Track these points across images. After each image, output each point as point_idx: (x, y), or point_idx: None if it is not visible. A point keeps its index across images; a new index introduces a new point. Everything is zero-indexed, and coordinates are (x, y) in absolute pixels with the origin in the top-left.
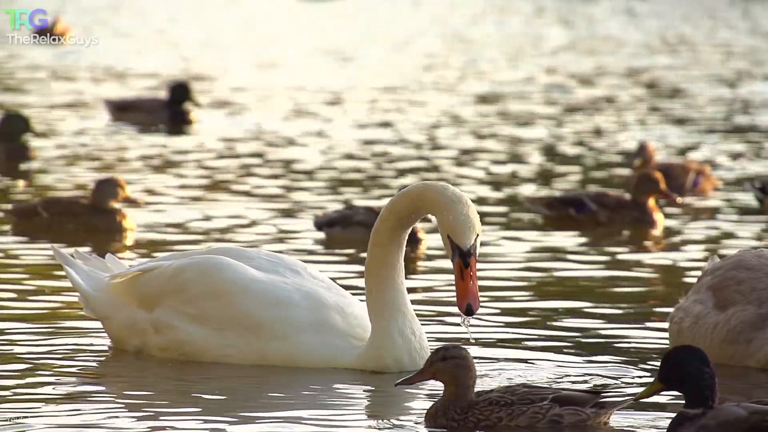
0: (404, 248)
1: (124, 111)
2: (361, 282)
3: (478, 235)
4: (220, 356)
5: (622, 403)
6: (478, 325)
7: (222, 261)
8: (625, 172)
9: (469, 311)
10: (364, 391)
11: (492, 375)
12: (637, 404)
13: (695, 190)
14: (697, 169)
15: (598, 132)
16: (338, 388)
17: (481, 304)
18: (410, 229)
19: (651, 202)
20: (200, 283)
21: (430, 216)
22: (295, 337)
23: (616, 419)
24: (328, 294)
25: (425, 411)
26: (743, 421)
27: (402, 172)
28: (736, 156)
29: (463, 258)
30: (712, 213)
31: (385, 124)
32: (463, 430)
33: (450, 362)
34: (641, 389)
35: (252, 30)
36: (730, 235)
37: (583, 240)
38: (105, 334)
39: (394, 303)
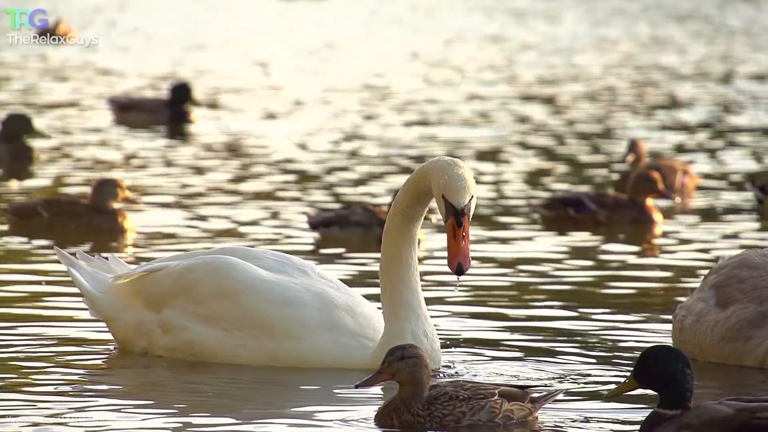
0: (417, 246)
1: (126, 111)
2: (362, 282)
3: (472, 196)
4: (231, 357)
5: (551, 398)
6: (476, 325)
7: (231, 261)
8: (617, 169)
9: (459, 271)
10: (370, 390)
11: (485, 373)
12: (570, 400)
13: (682, 190)
14: (681, 169)
15: (587, 131)
16: (346, 389)
17: (481, 302)
18: (420, 224)
19: (649, 201)
20: (209, 284)
21: (430, 217)
22: (306, 338)
23: (578, 417)
24: (337, 294)
25: (377, 410)
26: (730, 419)
27: (394, 171)
28: (728, 155)
29: (456, 217)
30: (711, 213)
31: (377, 123)
32: (429, 425)
33: (408, 361)
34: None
35: (239, 30)
36: (729, 235)
37: (582, 240)
38: (110, 335)
39: (408, 303)
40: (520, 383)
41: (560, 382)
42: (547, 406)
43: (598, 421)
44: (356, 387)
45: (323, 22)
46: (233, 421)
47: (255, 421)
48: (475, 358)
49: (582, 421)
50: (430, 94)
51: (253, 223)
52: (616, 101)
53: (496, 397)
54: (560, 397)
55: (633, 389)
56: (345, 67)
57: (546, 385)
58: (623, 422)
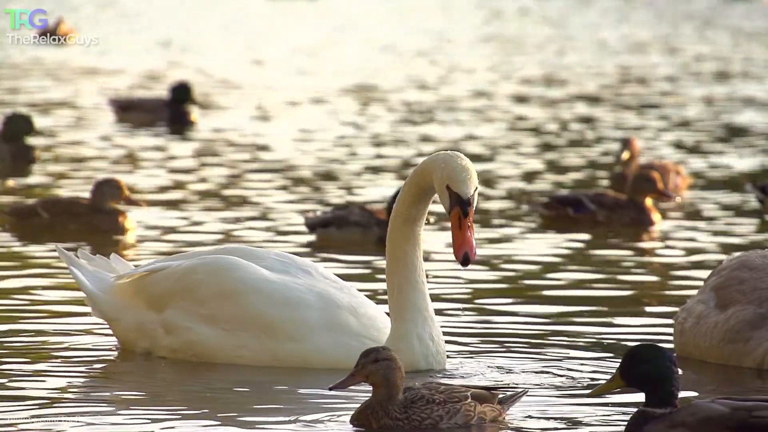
0: (421, 246)
1: (127, 111)
2: (361, 283)
3: (476, 188)
4: (233, 357)
5: (517, 399)
6: (474, 324)
7: (233, 261)
8: (612, 167)
9: (466, 260)
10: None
11: (481, 373)
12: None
13: (675, 190)
14: (674, 169)
15: (581, 130)
16: (350, 390)
17: (478, 301)
18: (423, 223)
19: (648, 202)
20: (212, 284)
21: (430, 218)
22: (308, 338)
23: (564, 416)
24: (340, 294)
25: (354, 413)
26: (727, 418)
27: (390, 171)
28: (729, 155)
29: (462, 207)
30: (711, 213)
31: (371, 123)
32: (409, 429)
33: (382, 364)
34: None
35: (230, 30)
36: (729, 236)
37: (581, 240)
38: (112, 335)
39: (415, 305)
40: (487, 384)
41: (554, 381)
42: (531, 406)
43: (582, 421)
44: (330, 389)
45: (315, 22)
46: (235, 421)
47: (256, 421)
48: (471, 357)
49: (567, 420)
50: (424, 93)
51: (251, 223)
52: (611, 100)
53: (469, 400)
54: (525, 397)
55: (618, 388)
56: (337, 67)
57: (514, 384)
58: (607, 421)
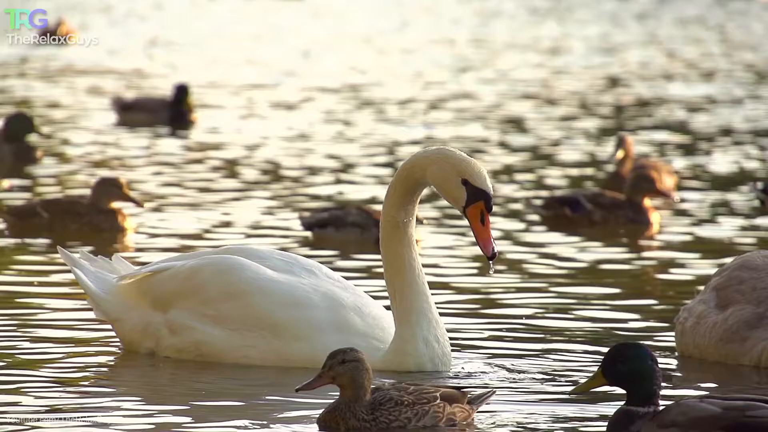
0: (415, 246)
1: (128, 111)
2: (360, 284)
3: None
4: (239, 357)
5: (486, 398)
6: (471, 324)
7: (238, 261)
8: (607, 166)
9: (494, 255)
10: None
11: (478, 374)
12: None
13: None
14: (666, 169)
15: (576, 129)
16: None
17: (474, 302)
18: (414, 223)
19: (647, 202)
20: (217, 284)
21: (422, 219)
22: (314, 338)
23: (546, 414)
24: (345, 294)
25: (321, 414)
26: (720, 418)
27: (381, 171)
28: (729, 155)
29: (487, 202)
30: (710, 214)
31: (366, 124)
32: (376, 431)
33: (349, 365)
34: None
35: (225, 30)
36: (730, 237)
37: (577, 239)
38: (114, 335)
39: (419, 308)
40: (458, 385)
41: (542, 380)
42: (512, 404)
43: (563, 418)
44: (297, 390)
45: (305, 22)
46: (238, 422)
47: (259, 422)
48: (468, 357)
49: (548, 419)
50: (416, 93)
51: (251, 222)
52: (606, 100)
53: (438, 401)
54: (516, 396)
55: (600, 386)
56: (328, 67)
57: (499, 382)
58: (588, 419)
